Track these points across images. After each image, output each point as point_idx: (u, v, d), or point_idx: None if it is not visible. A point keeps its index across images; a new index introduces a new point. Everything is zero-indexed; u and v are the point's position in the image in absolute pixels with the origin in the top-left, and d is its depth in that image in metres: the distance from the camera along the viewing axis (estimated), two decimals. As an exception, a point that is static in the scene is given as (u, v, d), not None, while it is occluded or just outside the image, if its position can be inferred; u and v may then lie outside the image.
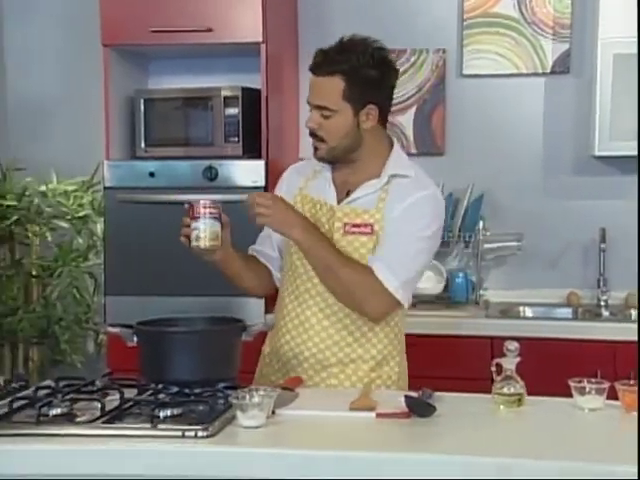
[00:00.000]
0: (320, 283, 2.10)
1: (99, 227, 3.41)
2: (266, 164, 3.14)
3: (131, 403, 1.82)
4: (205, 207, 1.97)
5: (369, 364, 2.13)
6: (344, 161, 2.13)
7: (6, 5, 3.79)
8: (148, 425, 1.69)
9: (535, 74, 3.50)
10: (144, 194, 3.14)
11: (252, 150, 3.22)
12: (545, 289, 3.46)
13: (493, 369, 1.91)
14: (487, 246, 3.44)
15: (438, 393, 1.90)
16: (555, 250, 3.50)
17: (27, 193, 3.43)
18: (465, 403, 1.92)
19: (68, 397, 1.83)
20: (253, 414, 1.71)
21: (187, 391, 1.83)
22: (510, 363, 1.88)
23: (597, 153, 3.29)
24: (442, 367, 2.99)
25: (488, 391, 1.91)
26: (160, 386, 1.87)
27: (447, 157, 3.59)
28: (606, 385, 1.85)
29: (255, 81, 3.23)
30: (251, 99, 3.23)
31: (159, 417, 1.70)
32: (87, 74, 3.59)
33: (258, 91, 3.21)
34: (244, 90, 3.24)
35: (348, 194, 2.13)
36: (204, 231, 1.97)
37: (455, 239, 3.45)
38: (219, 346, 1.92)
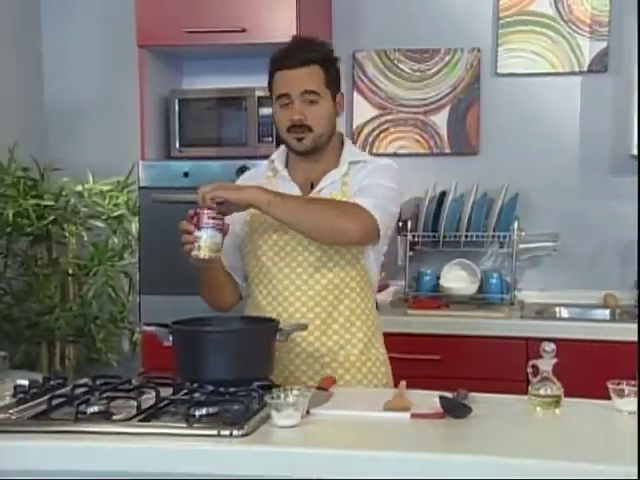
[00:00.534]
0: (298, 278, 2.11)
1: (134, 227, 3.43)
2: (299, 164, 3.15)
3: (167, 402, 1.84)
4: (209, 217, 1.94)
5: (358, 347, 2.16)
6: (319, 152, 2.16)
7: (44, 7, 3.84)
8: (184, 424, 1.69)
9: (572, 73, 3.46)
10: (178, 194, 3.14)
11: (285, 150, 3.23)
12: (581, 290, 3.42)
13: (529, 370, 1.89)
14: (522, 246, 3.41)
15: (473, 394, 1.89)
16: (591, 251, 3.47)
17: (64, 193, 3.46)
18: (501, 404, 1.90)
19: (105, 395, 1.85)
20: (288, 413, 1.71)
21: (222, 390, 1.83)
22: (547, 364, 1.86)
23: (635, 152, 3.25)
24: (476, 368, 2.98)
25: (523, 393, 1.90)
26: (195, 385, 1.87)
27: (481, 157, 3.57)
28: (645, 388, 1.82)
29: (289, 81, 3.24)
30: (285, 99, 3.24)
31: (195, 416, 1.71)
32: (122, 75, 3.63)
33: (292, 91, 3.22)
34: (278, 90, 3.25)
35: (312, 187, 2.17)
36: (206, 241, 1.95)
37: (489, 239, 3.43)
38: (254, 345, 1.92)
